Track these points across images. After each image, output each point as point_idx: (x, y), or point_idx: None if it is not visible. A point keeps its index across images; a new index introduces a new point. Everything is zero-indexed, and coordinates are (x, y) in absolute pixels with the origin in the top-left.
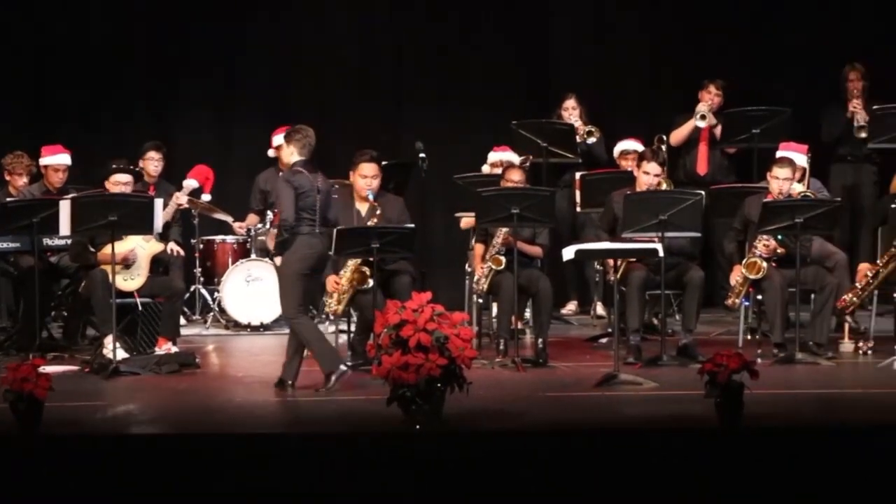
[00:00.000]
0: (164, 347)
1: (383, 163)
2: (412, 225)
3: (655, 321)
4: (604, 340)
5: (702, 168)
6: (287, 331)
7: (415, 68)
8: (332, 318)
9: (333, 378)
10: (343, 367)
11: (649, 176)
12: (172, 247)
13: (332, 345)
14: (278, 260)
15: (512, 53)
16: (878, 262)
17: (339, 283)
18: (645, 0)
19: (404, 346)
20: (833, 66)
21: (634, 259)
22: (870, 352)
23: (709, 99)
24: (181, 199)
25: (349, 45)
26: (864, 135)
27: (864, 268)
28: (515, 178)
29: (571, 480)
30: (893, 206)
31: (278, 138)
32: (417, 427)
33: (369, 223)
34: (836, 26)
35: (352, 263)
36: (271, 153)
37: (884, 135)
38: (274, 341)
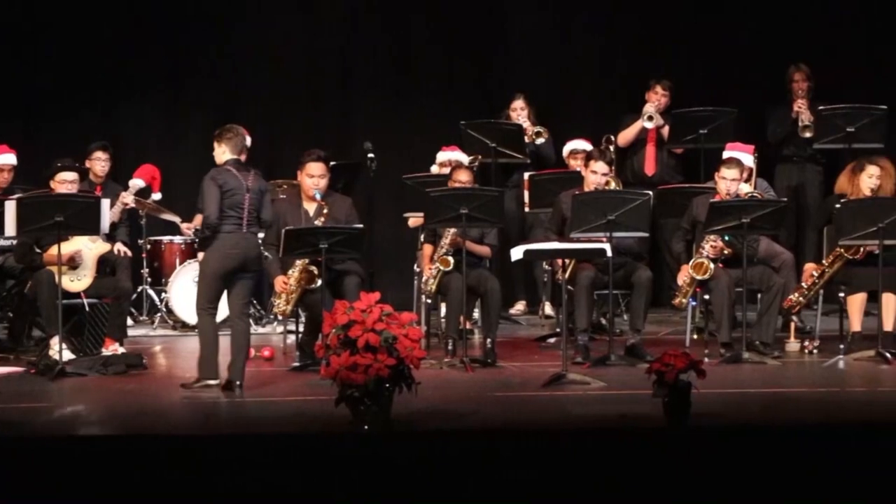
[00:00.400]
0: (111, 348)
1: (332, 163)
2: (361, 225)
3: (604, 321)
4: (552, 340)
5: (649, 168)
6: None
7: (364, 68)
8: (280, 318)
9: (197, 386)
10: (211, 383)
11: (597, 175)
12: (119, 247)
13: (218, 357)
14: (201, 255)
15: (461, 53)
16: (824, 261)
17: (286, 283)
18: (593, 1)
19: (353, 346)
20: (778, 67)
21: (583, 259)
22: (815, 351)
23: (656, 99)
24: (127, 198)
25: (298, 45)
26: (809, 135)
27: (809, 267)
28: (464, 178)
29: (519, 480)
30: (838, 206)
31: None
32: (366, 427)
33: (317, 222)
34: (782, 27)
35: (300, 263)
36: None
37: (829, 135)
38: (222, 342)
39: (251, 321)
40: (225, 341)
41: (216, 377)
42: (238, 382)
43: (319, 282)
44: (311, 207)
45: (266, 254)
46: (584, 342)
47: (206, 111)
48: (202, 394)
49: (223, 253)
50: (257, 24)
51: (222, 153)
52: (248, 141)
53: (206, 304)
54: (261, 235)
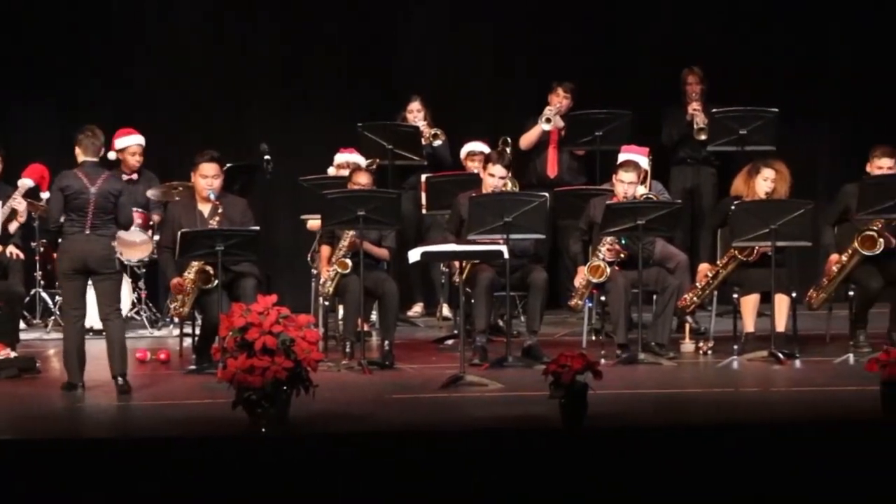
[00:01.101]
0: (4, 352)
1: (228, 165)
2: (256, 227)
3: (501, 323)
4: (450, 342)
5: (551, 170)
6: (128, 335)
7: (260, 69)
8: (176, 320)
9: (63, 389)
10: (75, 384)
11: (495, 178)
12: (11, 250)
13: (75, 359)
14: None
15: (358, 55)
16: (718, 262)
17: (182, 284)
18: (492, 1)
19: (249, 349)
20: (672, 70)
21: (480, 261)
22: (710, 352)
23: (557, 102)
24: (16, 199)
25: (195, 46)
26: (703, 137)
27: (704, 269)
28: (363, 180)
29: (417, 482)
30: (733, 207)
31: (121, 141)
32: (263, 430)
33: (212, 223)
34: (676, 30)
35: (196, 264)
36: (112, 156)
37: (723, 137)
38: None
39: (148, 323)
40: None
41: (78, 380)
42: (121, 376)
43: (216, 281)
44: (205, 209)
45: (119, 255)
46: (481, 343)
47: (100, 112)
48: (97, 398)
49: (67, 255)
50: (153, 25)
51: (79, 155)
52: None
53: (65, 306)
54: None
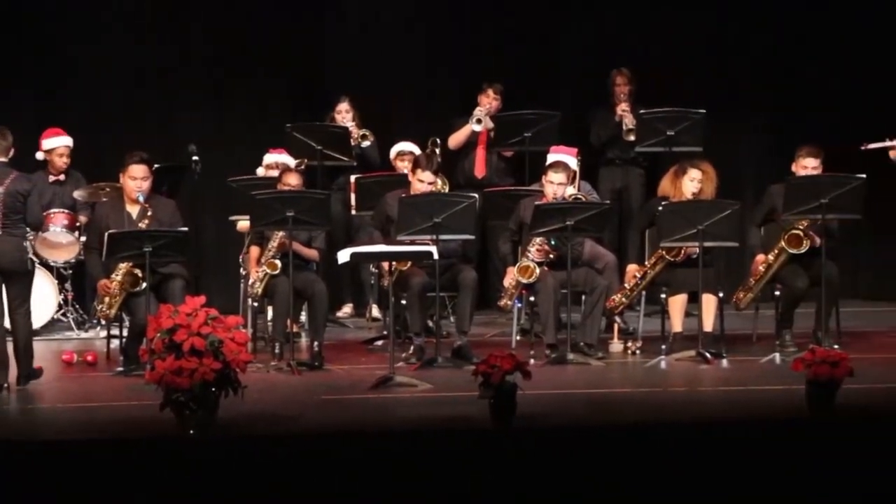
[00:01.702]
0: None
1: (156, 166)
2: (185, 228)
3: (430, 323)
4: (379, 343)
5: (479, 171)
6: (54, 337)
7: (189, 69)
8: (103, 322)
9: None
10: (1, 390)
11: (424, 184)
12: None
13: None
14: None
15: (287, 55)
16: (646, 263)
17: (109, 286)
18: (421, 1)
19: (178, 350)
20: (601, 71)
21: (411, 263)
22: (638, 351)
23: (487, 103)
24: None
25: (121, 46)
26: (632, 138)
27: (632, 269)
28: (292, 181)
29: (347, 483)
30: (660, 208)
31: (48, 142)
32: (191, 432)
33: (141, 225)
34: (604, 31)
35: (123, 266)
36: (40, 156)
37: (651, 138)
38: (41, 346)
39: (75, 325)
40: (49, 346)
41: (3, 381)
42: (28, 374)
43: (144, 285)
44: (134, 210)
45: (31, 255)
46: (419, 343)
47: (25, 113)
48: (24, 400)
49: None
50: (78, 25)
51: None
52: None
53: None
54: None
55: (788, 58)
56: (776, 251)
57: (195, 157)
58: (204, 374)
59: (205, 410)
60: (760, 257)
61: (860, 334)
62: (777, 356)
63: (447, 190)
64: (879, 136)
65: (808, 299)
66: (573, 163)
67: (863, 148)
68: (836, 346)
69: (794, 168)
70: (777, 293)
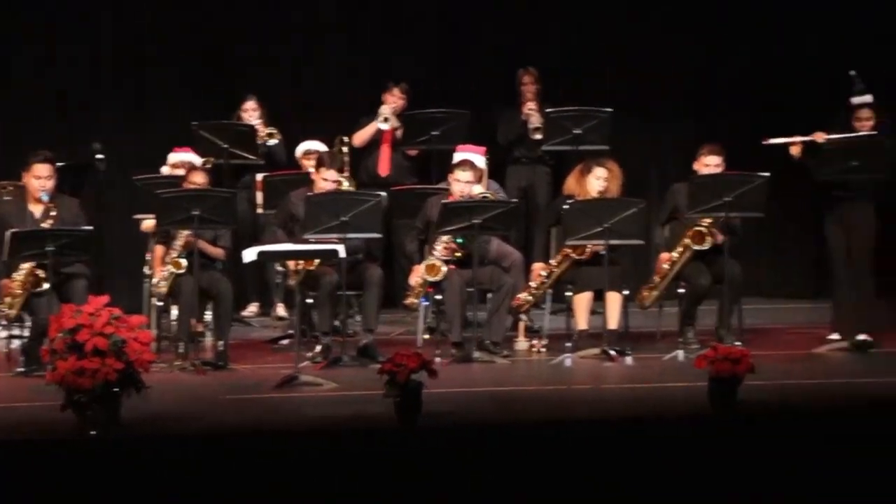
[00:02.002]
0: None
1: (59, 164)
2: (89, 227)
3: (336, 322)
4: (285, 342)
5: (383, 170)
6: None
7: (93, 67)
8: (4, 322)
9: None
10: None
11: (327, 183)
12: None
13: None
14: None
15: (194, 53)
16: (552, 261)
17: (11, 286)
18: (326, 1)
19: (80, 350)
20: (508, 70)
21: (321, 262)
22: (543, 349)
23: (392, 101)
24: None
25: (24, 42)
26: (539, 137)
27: (538, 267)
28: (199, 180)
29: (252, 483)
30: (566, 206)
31: None
32: (93, 433)
33: (44, 225)
34: (511, 30)
35: (26, 266)
36: None
37: (557, 137)
38: None
39: None
40: None
41: None
42: None
43: (46, 285)
44: (37, 209)
45: None
46: (327, 342)
47: None
48: None
49: None
50: None
51: None
52: None
53: None
54: None
55: (693, 57)
56: (680, 249)
57: (99, 156)
58: (106, 374)
59: (107, 411)
60: (664, 255)
61: (762, 331)
62: (680, 353)
63: (354, 189)
64: (782, 134)
65: (711, 297)
66: (481, 161)
67: (764, 143)
68: (737, 343)
69: (696, 166)
70: (681, 291)
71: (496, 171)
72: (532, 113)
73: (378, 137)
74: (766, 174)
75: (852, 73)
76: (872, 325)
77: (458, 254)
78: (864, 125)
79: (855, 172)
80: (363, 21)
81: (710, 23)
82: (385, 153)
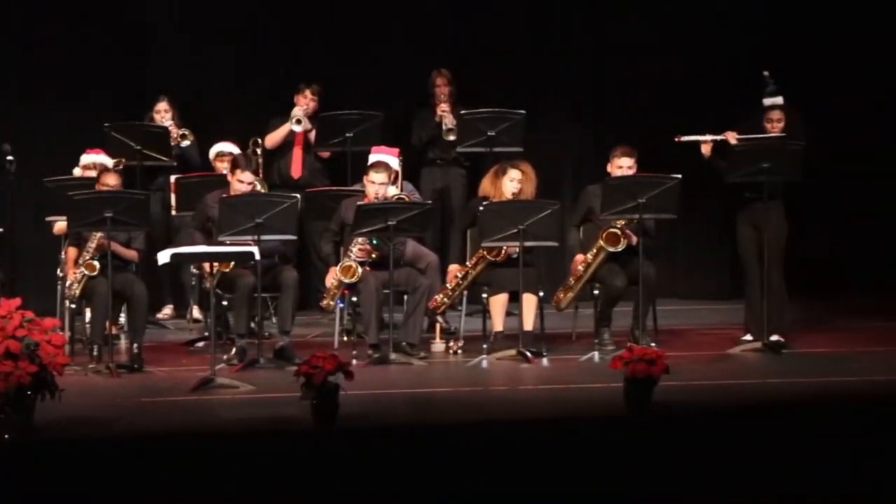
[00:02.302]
0: None
1: None
2: (0, 229)
3: (253, 324)
4: (200, 344)
5: (296, 171)
6: None
7: (3, 67)
8: None
9: None
10: None
11: (243, 184)
12: None
13: None
14: None
15: (106, 54)
16: (468, 263)
17: None
18: (236, 3)
19: None
20: (422, 72)
21: (234, 264)
22: (460, 351)
23: (304, 103)
24: None
25: None
26: (453, 138)
27: (453, 269)
28: (111, 181)
29: (168, 486)
30: (481, 208)
31: None
32: (6, 437)
33: None
34: (425, 31)
35: None
36: None
37: (471, 139)
38: None
39: None
40: None
41: None
42: None
43: None
44: None
45: None
46: (242, 344)
47: None
48: None
49: None
50: None
51: None
52: None
53: None
54: None
55: (605, 58)
56: (594, 250)
57: (9, 157)
58: (19, 377)
59: (20, 415)
60: (579, 257)
61: (676, 332)
62: (596, 354)
63: (266, 191)
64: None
65: (626, 298)
66: (395, 163)
67: (676, 140)
68: (652, 344)
69: (609, 168)
70: (596, 292)
71: (411, 173)
72: (445, 114)
73: (290, 139)
74: (679, 176)
75: (765, 73)
76: (784, 325)
77: (374, 255)
78: (775, 126)
79: (766, 174)
80: (275, 21)
81: (622, 24)
82: (297, 155)
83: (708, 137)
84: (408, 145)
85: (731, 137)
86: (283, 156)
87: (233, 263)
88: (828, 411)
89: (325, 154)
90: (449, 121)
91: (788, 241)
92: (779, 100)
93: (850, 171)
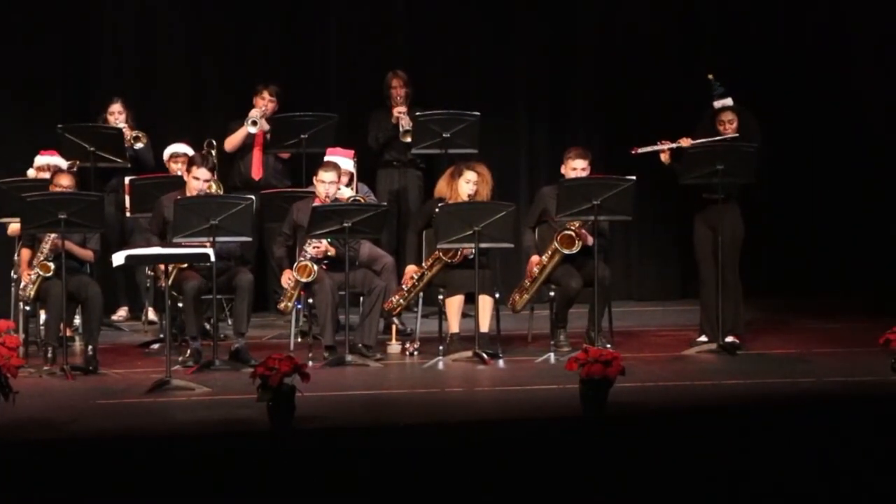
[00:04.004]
0: None
1: None
2: None
3: (208, 326)
4: (155, 346)
5: (256, 173)
6: None
7: None
8: None
9: None
10: None
11: (199, 182)
12: None
13: None
14: None
15: (59, 55)
16: (424, 264)
17: None
18: (188, 2)
19: None
20: (378, 73)
21: (186, 266)
22: (416, 352)
23: (262, 104)
24: None
25: None
26: (409, 140)
27: (409, 270)
28: (66, 182)
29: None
30: (437, 209)
31: None
32: None
33: None
34: (379, 31)
35: None
36: None
37: (426, 140)
38: None
39: None
40: None
41: None
42: None
43: None
44: None
45: None
46: (195, 346)
47: None
48: None
49: None
50: None
51: None
52: None
53: None
54: None
55: (560, 60)
56: (550, 252)
57: None
58: None
59: None
60: (535, 259)
61: (632, 333)
62: (552, 356)
63: (222, 192)
64: (650, 138)
65: (582, 300)
66: (349, 164)
67: (633, 153)
68: (608, 346)
69: (563, 170)
70: (552, 294)
71: (367, 174)
72: (402, 116)
73: (249, 141)
74: (633, 178)
75: (710, 76)
76: (739, 327)
77: (330, 252)
78: (728, 128)
79: (721, 176)
80: (230, 21)
81: (579, 25)
82: (257, 157)
83: (665, 146)
84: (363, 147)
85: (686, 143)
86: (242, 158)
87: (184, 265)
88: (783, 413)
89: (285, 155)
90: (405, 122)
91: (744, 243)
92: (728, 101)
93: (808, 171)
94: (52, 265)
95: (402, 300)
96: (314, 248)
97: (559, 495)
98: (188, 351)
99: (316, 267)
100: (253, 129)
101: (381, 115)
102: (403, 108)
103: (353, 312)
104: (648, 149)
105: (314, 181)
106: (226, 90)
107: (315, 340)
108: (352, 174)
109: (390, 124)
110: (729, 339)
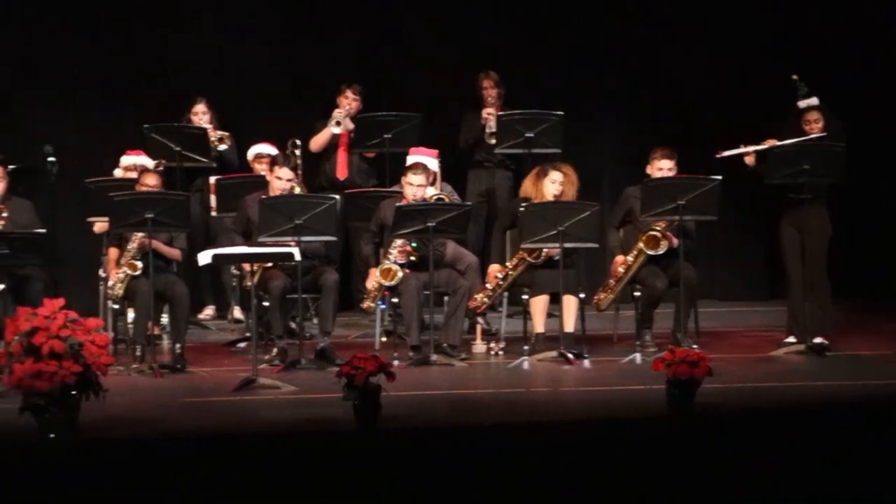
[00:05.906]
0: None
1: (11, 167)
2: (43, 230)
3: (293, 325)
4: (242, 345)
5: (341, 173)
6: None
7: (44, 69)
8: None
9: None
10: None
11: (282, 181)
12: None
13: None
14: None
15: (144, 56)
16: (508, 264)
17: None
18: (278, 2)
19: (37, 353)
20: (469, 73)
21: (271, 265)
22: (501, 352)
23: (346, 104)
24: None
25: None
26: (493, 141)
27: (493, 270)
28: (151, 182)
29: (211, 486)
30: (522, 209)
31: None
32: (52, 436)
33: None
34: (470, 33)
35: None
36: None
37: (510, 140)
38: None
39: None
40: None
41: None
42: None
43: (1, 286)
44: None
45: None
46: (282, 346)
47: None
48: None
49: None
50: None
51: None
52: None
53: None
54: None
55: (646, 61)
56: (635, 252)
57: (51, 158)
58: (64, 377)
59: (65, 414)
60: (619, 258)
61: (718, 334)
62: (637, 356)
63: (304, 193)
64: (733, 140)
65: (667, 300)
66: (433, 164)
67: (717, 157)
68: (695, 346)
69: (648, 170)
70: (636, 294)
71: (458, 175)
72: (490, 117)
73: (334, 141)
74: (719, 178)
75: (794, 76)
76: (827, 327)
77: (414, 257)
78: (814, 128)
79: (808, 176)
80: (315, 22)
81: (666, 28)
82: (342, 157)
83: (749, 149)
84: (447, 146)
85: (771, 144)
86: (328, 158)
87: (269, 265)
88: (872, 414)
89: (371, 154)
90: (492, 124)
91: (832, 243)
92: (814, 100)
93: (893, 171)
94: (139, 264)
95: (486, 299)
96: (399, 251)
97: (646, 496)
98: (274, 350)
99: (400, 271)
100: (337, 130)
101: (471, 115)
102: (493, 109)
103: (437, 312)
104: (733, 152)
105: (402, 182)
106: (311, 89)
107: (400, 340)
108: (436, 174)
109: (479, 125)
110: (817, 340)
